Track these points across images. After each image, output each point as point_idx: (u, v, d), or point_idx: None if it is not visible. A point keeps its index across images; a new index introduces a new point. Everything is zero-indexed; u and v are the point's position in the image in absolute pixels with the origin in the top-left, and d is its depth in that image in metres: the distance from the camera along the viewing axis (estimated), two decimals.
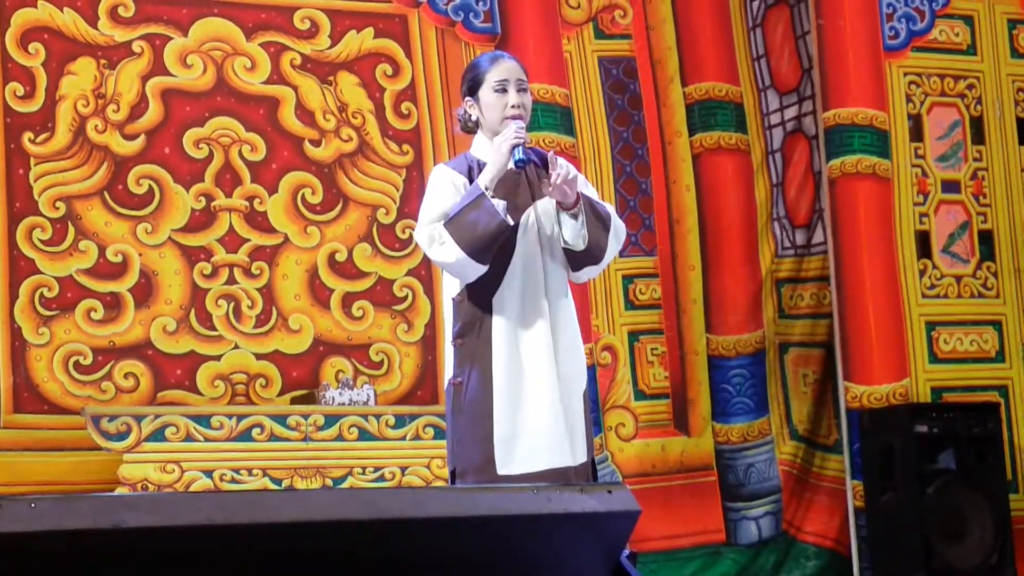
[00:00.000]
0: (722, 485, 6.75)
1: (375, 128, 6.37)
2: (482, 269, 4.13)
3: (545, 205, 4.24)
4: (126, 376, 5.90)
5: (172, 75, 6.11)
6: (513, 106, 4.23)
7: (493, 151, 4.15)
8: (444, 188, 4.23)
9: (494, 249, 4.12)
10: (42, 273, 5.83)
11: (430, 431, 5.86)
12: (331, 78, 6.33)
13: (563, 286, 4.27)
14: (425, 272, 6.34)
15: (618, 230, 4.25)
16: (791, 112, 7.06)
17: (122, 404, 5.81)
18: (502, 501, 3.42)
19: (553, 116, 6.59)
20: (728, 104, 6.94)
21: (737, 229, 6.88)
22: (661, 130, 6.86)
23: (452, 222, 4.09)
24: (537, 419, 4.18)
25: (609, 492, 3.48)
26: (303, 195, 6.16)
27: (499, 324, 4.18)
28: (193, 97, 6.14)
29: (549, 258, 4.23)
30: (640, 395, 6.64)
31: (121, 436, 5.58)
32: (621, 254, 6.65)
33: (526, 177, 4.23)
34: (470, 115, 4.29)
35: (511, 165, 4.11)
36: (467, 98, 4.29)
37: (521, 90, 4.25)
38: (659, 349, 6.72)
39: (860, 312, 6.81)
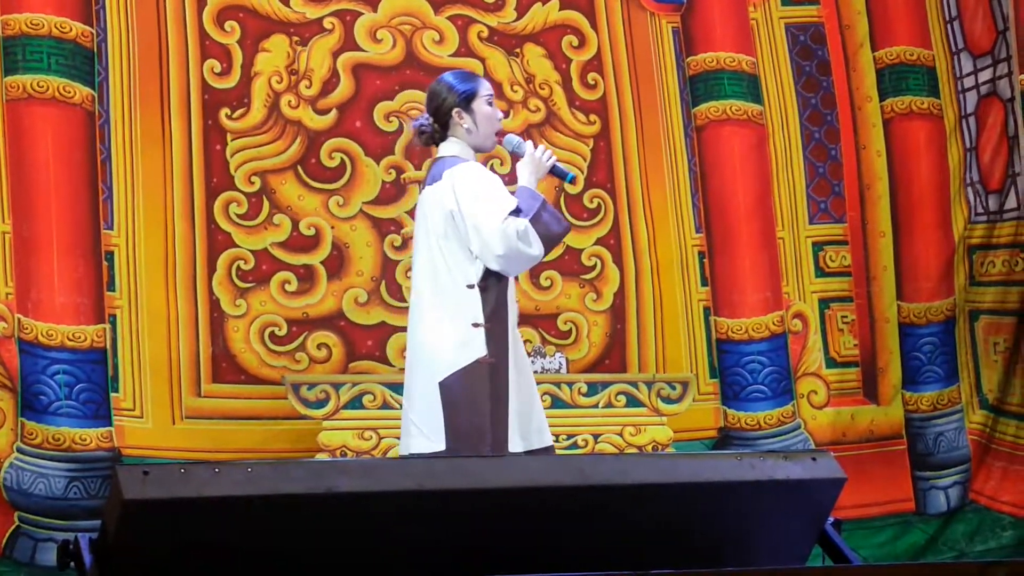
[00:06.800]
0: (911, 454, 6.66)
1: (562, 99, 6.38)
2: None
3: None
4: (319, 347, 5.99)
5: (362, 50, 6.18)
6: (499, 119, 4.79)
7: (534, 164, 4.68)
8: (501, 185, 4.70)
9: None
10: (238, 247, 5.95)
11: (622, 399, 5.87)
12: (518, 50, 6.36)
13: None
14: (614, 242, 6.34)
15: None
16: (985, 75, 6.89)
17: (315, 374, 5.91)
18: (704, 468, 3.44)
19: (740, 84, 6.54)
20: (920, 68, 6.80)
21: (929, 195, 6.75)
22: (851, 95, 6.76)
23: (536, 222, 4.54)
24: (535, 401, 4.71)
25: (813, 459, 3.47)
26: (491, 166, 6.19)
27: (511, 313, 4.67)
28: (383, 71, 6.20)
29: None
30: (831, 363, 6.58)
31: (320, 404, 5.69)
32: (811, 220, 6.63)
33: None
34: (457, 124, 4.70)
35: (567, 181, 4.83)
36: (457, 110, 4.69)
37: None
38: (849, 317, 6.64)
39: None
